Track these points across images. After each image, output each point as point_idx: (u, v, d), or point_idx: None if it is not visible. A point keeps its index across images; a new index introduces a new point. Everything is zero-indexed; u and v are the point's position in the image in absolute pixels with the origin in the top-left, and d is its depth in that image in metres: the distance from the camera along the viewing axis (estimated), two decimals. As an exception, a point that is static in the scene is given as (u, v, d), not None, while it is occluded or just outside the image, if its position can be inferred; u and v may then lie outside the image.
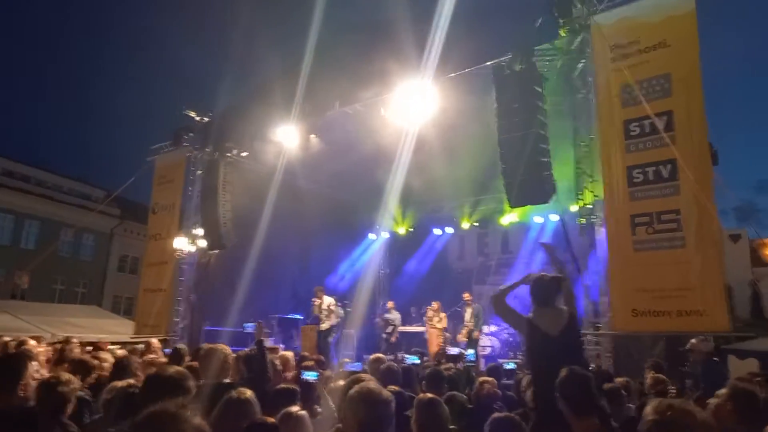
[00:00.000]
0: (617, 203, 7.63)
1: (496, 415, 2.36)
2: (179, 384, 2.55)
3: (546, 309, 4.08)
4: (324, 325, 12.65)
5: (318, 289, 13.08)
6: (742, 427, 2.81)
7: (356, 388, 2.44)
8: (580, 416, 2.74)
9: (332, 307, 12.77)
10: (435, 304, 13.33)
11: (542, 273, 4.28)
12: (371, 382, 2.55)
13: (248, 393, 2.96)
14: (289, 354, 6.82)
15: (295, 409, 3.16)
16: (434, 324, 13.17)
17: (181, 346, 7.41)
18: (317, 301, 12.83)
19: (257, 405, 2.95)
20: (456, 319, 13.64)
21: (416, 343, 13.30)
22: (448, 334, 13.30)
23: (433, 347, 12.59)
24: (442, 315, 13.26)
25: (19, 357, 3.24)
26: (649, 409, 1.92)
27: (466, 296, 13.11)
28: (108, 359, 5.65)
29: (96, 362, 5.21)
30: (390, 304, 14.63)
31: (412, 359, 6.01)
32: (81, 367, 4.91)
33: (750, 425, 2.72)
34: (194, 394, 2.65)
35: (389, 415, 2.33)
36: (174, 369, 2.76)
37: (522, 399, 4.74)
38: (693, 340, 6.90)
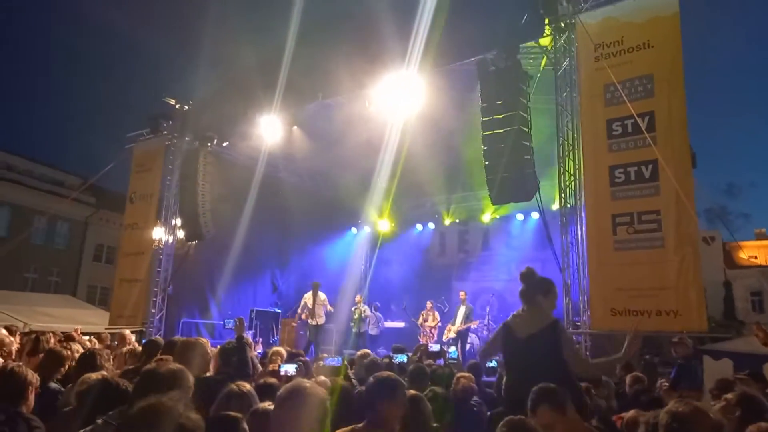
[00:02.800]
0: (599, 202, 7.69)
1: (510, 418, 2.30)
2: (178, 381, 2.44)
3: (526, 310, 4.02)
4: (320, 320, 12.64)
5: (316, 284, 12.99)
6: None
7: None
8: (533, 410, 2.70)
9: (326, 303, 12.84)
10: (428, 304, 13.41)
11: (531, 270, 4.16)
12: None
13: (248, 386, 2.89)
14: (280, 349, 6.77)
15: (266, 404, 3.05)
16: (429, 324, 13.24)
17: (157, 338, 7.28)
18: (313, 296, 12.75)
19: (256, 398, 2.88)
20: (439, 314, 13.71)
21: (397, 338, 13.30)
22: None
23: None
24: (435, 314, 13.35)
25: None
26: (667, 407, 1.97)
27: (462, 294, 13.16)
28: (79, 350, 5.49)
29: (68, 353, 5.03)
30: (358, 298, 14.53)
31: (400, 358, 5.98)
32: (54, 358, 4.74)
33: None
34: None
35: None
36: (173, 365, 2.63)
37: (501, 396, 4.73)
38: (676, 338, 7.03)
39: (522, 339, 3.87)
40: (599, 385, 4.92)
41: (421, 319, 13.51)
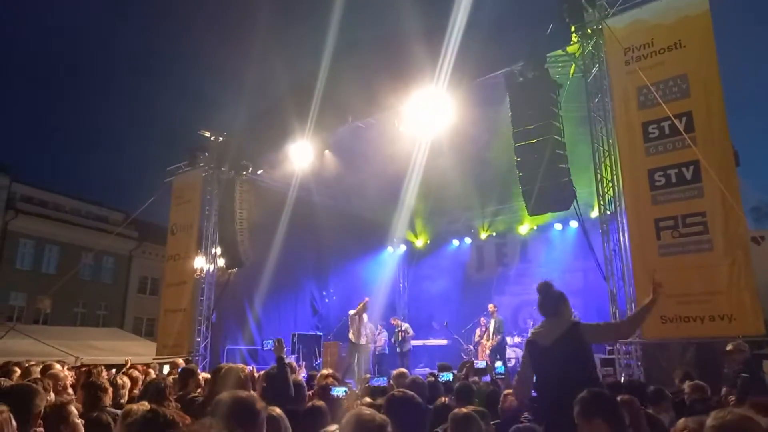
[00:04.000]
0: (640, 208, 7.50)
1: (516, 426, 2.27)
2: (251, 408, 2.44)
3: (547, 321, 4.11)
4: (362, 340, 12.67)
5: (365, 305, 12.97)
6: None
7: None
8: (587, 419, 2.60)
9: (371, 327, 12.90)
10: (482, 320, 13.23)
11: (548, 282, 4.23)
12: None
13: (277, 410, 2.89)
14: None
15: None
16: (485, 340, 13.07)
17: (192, 365, 7.35)
18: (359, 313, 12.75)
19: (287, 422, 2.88)
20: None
21: (439, 356, 13.16)
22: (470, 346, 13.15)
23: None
24: (490, 330, 13.18)
25: (28, 389, 3.03)
26: (712, 415, 1.87)
27: (491, 307, 12.96)
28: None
29: (104, 383, 5.08)
30: (395, 321, 14.27)
31: (446, 377, 5.90)
32: (94, 389, 4.81)
33: None
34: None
35: None
36: (245, 393, 2.64)
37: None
38: (729, 346, 6.71)
39: (547, 347, 3.91)
40: (661, 400, 4.75)
41: (477, 336, 13.26)
